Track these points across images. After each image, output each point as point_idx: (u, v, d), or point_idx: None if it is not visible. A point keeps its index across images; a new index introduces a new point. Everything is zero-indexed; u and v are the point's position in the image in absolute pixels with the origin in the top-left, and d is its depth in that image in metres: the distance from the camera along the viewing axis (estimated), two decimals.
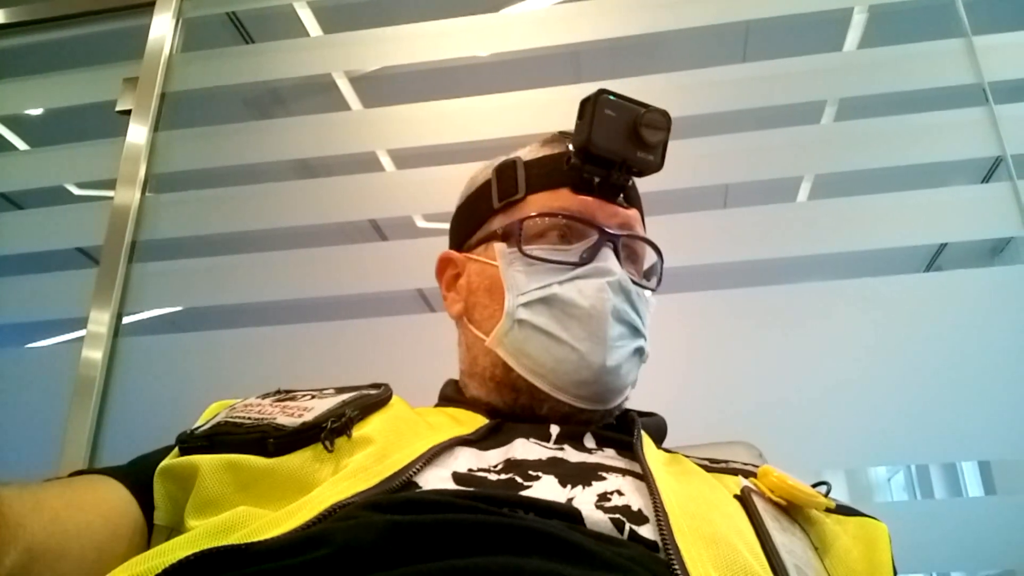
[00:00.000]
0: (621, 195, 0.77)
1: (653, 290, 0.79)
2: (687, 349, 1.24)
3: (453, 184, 1.39)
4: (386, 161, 1.98)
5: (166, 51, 1.59)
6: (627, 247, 0.77)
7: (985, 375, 1.16)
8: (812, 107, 1.56)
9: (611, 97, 0.72)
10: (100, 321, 1.37)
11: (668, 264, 1.27)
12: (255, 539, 0.47)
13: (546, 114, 1.41)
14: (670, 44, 1.63)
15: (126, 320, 1.42)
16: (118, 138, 1.53)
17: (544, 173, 0.78)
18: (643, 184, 1.30)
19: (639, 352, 0.75)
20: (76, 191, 1.90)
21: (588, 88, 1.42)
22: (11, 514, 0.50)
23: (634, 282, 0.75)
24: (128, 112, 1.54)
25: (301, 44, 1.69)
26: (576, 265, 0.73)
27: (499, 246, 0.76)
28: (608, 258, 0.73)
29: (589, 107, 0.72)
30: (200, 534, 0.51)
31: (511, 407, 0.74)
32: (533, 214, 0.75)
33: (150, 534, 0.62)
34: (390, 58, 1.59)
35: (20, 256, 1.52)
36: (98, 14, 1.69)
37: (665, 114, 0.73)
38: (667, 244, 1.28)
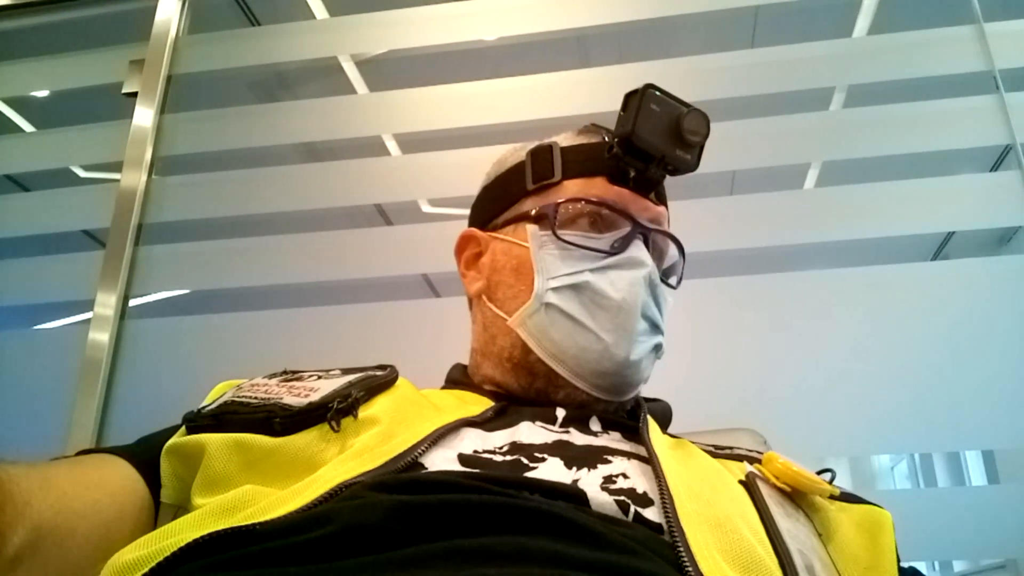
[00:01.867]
0: (654, 191, 0.77)
1: (674, 287, 0.79)
2: (692, 336, 1.24)
3: (459, 169, 1.39)
4: (392, 145, 1.98)
5: (172, 33, 1.59)
6: (655, 243, 0.77)
7: (990, 364, 1.15)
8: (821, 93, 1.55)
9: (657, 92, 0.72)
10: (107, 303, 1.38)
11: None
12: (261, 518, 0.47)
13: (553, 99, 1.41)
14: (678, 29, 1.62)
15: (132, 303, 1.42)
16: (124, 120, 1.52)
17: (581, 160, 0.78)
18: None
19: (657, 348, 0.76)
20: (82, 173, 1.91)
21: (595, 73, 1.42)
22: (19, 492, 0.50)
23: (663, 280, 0.76)
24: (134, 94, 1.54)
25: (307, 27, 1.68)
26: (609, 254, 0.73)
27: (531, 227, 0.76)
28: (640, 250, 0.73)
29: (635, 100, 0.72)
30: (206, 513, 0.51)
31: (525, 390, 0.75)
32: (568, 199, 0.75)
33: (156, 512, 0.63)
34: (396, 42, 1.58)
35: (27, 238, 1.53)
36: None
37: (707, 117, 0.73)
38: (673, 230, 1.29)
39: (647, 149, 0.72)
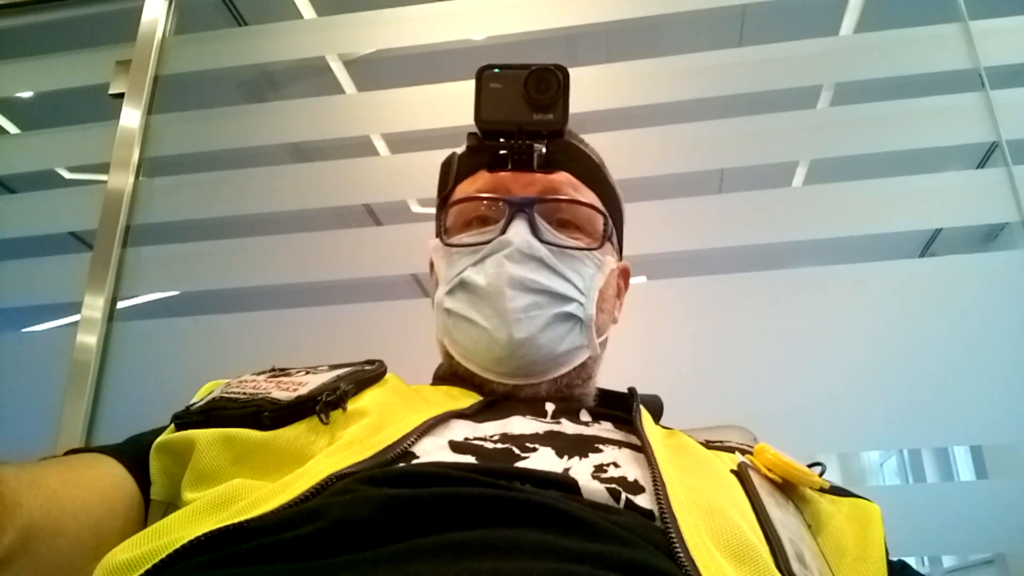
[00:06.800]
0: (538, 160, 0.74)
1: (590, 249, 0.75)
2: (681, 333, 1.25)
3: None
4: (380, 145, 1.98)
5: (159, 34, 1.58)
6: (554, 212, 0.75)
7: (978, 360, 1.16)
8: (808, 92, 1.56)
9: (496, 70, 0.74)
10: (94, 306, 1.37)
11: (662, 249, 1.28)
12: (252, 512, 0.47)
13: None
14: (666, 28, 1.63)
15: (120, 305, 1.41)
16: (111, 122, 1.52)
17: (466, 161, 0.80)
18: (639, 170, 1.31)
19: (570, 317, 0.73)
20: (67, 175, 1.89)
21: (583, 72, 1.42)
22: (8, 493, 0.50)
23: (556, 244, 0.73)
24: (121, 95, 1.53)
25: (295, 27, 1.68)
26: (484, 244, 0.73)
27: (434, 242, 0.80)
28: (516, 229, 0.72)
29: (475, 86, 0.74)
30: (198, 508, 0.51)
31: (478, 392, 0.75)
32: (450, 204, 0.78)
33: (147, 510, 0.63)
34: (384, 41, 1.58)
35: (12, 240, 1.51)
36: None
37: (555, 69, 0.73)
38: (662, 229, 1.30)
39: (498, 128, 0.73)
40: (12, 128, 2.70)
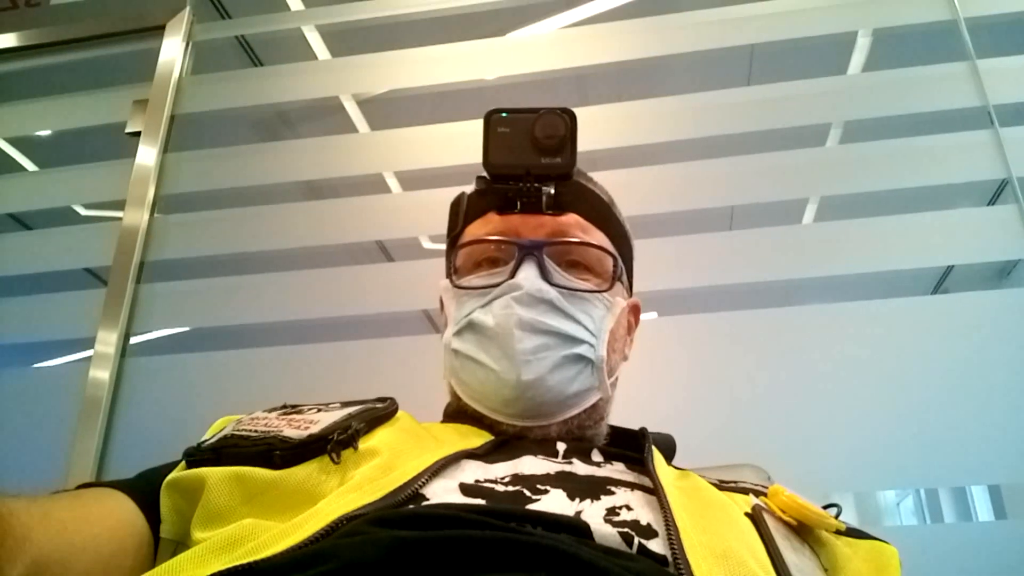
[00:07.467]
0: (547, 203, 0.75)
1: (600, 291, 0.75)
2: (693, 371, 1.24)
3: None
4: (392, 183, 1.99)
5: (176, 74, 1.61)
6: (563, 254, 0.75)
7: (994, 398, 1.15)
8: (817, 130, 1.56)
9: (503, 115, 0.75)
10: (108, 341, 1.38)
11: (673, 286, 1.28)
12: (262, 553, 0.47)
13: None
14: (675, 68, 1.64)
15: (134, 340, 1.42)
16: (128, 159, 1.54)
17: (475, 202, 0.80)
18: (650, 207, 1.32)
19: (580, 359, 0.72)
20: (83, 212, 1.91)
21: (594, 112, 1.43)
22: (19, 526, 0.50)
23: (566, 287, 0.73)
24: (138, 134, 1.55)
25: (309, 67, 1.70)
26: (494, 286, 0.73)
27: (444, 283, 0.79)
28: (526, 272, 0.72)
29: (484, 130, 0.74)
30: (207, 548, 0.50)
31: (489, 431, 0.74)
32: (460, 245, 0.78)
33: (156, 547, 0.62)
34: (397, 81, 1.60)
35: (29, 276, 1.53)
36: (109, 37, 1.71)
37: (562, 113, 0.74)
38: (673, 266, 1.30)
39: (507, 171, 0.74)
40: (30, 166, 2.74)
